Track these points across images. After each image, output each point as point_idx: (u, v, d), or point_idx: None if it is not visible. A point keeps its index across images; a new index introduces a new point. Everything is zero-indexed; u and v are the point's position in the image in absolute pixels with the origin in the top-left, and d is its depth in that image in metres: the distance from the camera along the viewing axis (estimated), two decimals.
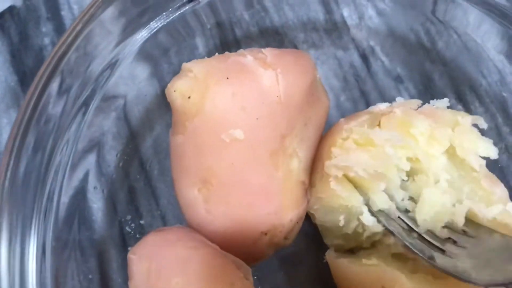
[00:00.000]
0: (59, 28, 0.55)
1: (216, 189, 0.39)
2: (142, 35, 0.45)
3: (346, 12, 0.56)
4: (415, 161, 0.41)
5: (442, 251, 0.40)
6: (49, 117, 0.38)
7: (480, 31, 0.49)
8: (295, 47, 0.55)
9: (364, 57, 0.55)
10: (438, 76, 0.54)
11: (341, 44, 0.55)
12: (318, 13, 0.56)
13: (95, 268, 0.45)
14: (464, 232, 0.41)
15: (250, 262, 0.40)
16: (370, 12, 0.56)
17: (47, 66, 0.38)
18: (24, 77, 0.54)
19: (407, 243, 0.40)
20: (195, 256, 0.37)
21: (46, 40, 0.55)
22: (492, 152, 0.41)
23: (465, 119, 0.42)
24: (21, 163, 0.36)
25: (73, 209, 0.42)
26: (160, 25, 0.46)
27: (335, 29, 0.55)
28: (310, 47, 0.55)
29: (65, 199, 0.40)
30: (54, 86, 0.39)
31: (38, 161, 0.37)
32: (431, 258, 0.39)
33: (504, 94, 0.53)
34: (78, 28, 0.39)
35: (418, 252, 0.39)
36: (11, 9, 0.55)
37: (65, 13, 0.56)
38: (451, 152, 0.41)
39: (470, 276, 0.37)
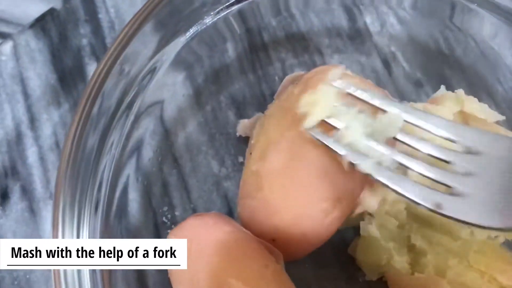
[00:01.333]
0: (97, 30, 0.58)
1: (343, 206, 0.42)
2: (178, 43, 0.48)
3: (368, 20, 0.59)
4: None
5: (449, 189, 0.34)
6: (99, 118, 0.42)
7: (497, 38, 0.52)
8: (320, 51, 0.57)
9: (386, 63, 0.57)
10: (456, 81, 0.56)
11: (364, 50, 0.58)
12: (342, 20, 0.59)
13: None
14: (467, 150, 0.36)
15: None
16: (392, 19, 0.58)
17: (98, 75, 0.41)
18: (63, 76, 0.57)
19: (405, 194, 0.35)
20: (232, 239, 0.40)
21: (84, 41, 0.58)
22: None
23: None
24: (77, 160, 0.39)
25: (117, 202, 0.44)
26: (194, 33, 0.49)
27: (358, 36, 0.58)
28: (334, 52, 0.58)
29: (111, 193, 0.43)
30: (104, 91, 0.42)
31: (90, 158, 0.41)
32: (439, 206, 0.34)
33: None
34: (124, 39, 0.43)
35: (421, 202, 0.35)
36: (51, 11, 0.59)
37: (102, 16, 0.59)
38: None
39: (486, 222, 0.33)
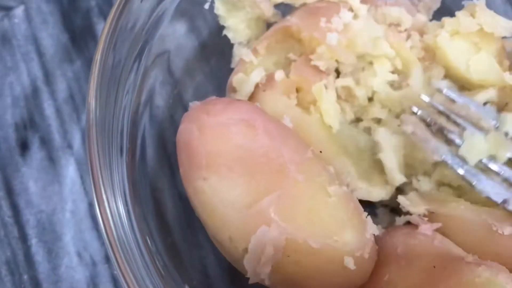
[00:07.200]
0: None
1: None
2: None
3: None
4: None
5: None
6: (113, 71, 0.43)
7: None
8: None
9: None
10: None
11: None
12: None
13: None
14: None
15: None
16: None
17: (108, 30, 0.42)
18: (74, 35, 0.60)
19: (475, 183, 0.38)
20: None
21: (92, 3, 0.61)
22: None
23: None
24: (102, 113, 0.40)
25: (138, 148, 0.47)
26: None
27: None
28: None
29: (132, 140, 0.46)
30: (113, 45, 0.43)
31: (110, 110, 0.42)
32: (505, 202, 0.37)
33: None
34: None
35: (491, 196, 0.37)
36: None
37: None
38: None
39: None
